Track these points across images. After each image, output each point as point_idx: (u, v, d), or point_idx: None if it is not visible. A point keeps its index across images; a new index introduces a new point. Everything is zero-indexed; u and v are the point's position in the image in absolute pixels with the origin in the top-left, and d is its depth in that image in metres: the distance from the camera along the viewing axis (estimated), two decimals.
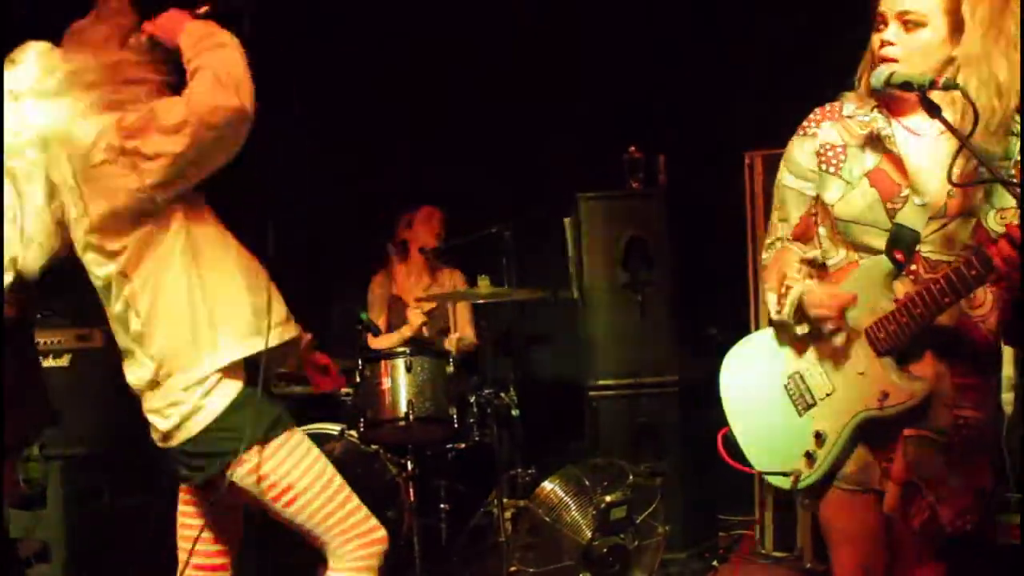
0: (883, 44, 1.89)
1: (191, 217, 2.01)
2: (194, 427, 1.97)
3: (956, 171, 1.80)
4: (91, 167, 1.94)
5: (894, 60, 1.88)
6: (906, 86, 1.84)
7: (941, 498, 1.90)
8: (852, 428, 1.95)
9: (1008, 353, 2.12)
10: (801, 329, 2.03)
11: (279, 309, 2.06)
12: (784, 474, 2.03)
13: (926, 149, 1.94)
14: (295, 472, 2.00)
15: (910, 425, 1.92)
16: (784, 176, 2.12)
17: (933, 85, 1.79)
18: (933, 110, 1.82)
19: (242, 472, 1.98)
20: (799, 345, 2.08)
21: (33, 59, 1.98)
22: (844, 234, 2.00)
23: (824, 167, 2.03)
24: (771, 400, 2.10)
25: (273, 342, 2.00)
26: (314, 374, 2.46)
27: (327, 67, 4.35)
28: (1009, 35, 1.84)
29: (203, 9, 2.05)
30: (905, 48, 1.88)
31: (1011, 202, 1.83)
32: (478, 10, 4.30)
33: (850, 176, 1.98)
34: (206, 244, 2.02)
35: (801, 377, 2.06)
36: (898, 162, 1.94)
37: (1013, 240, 1.68)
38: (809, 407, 2.04)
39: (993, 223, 1.88)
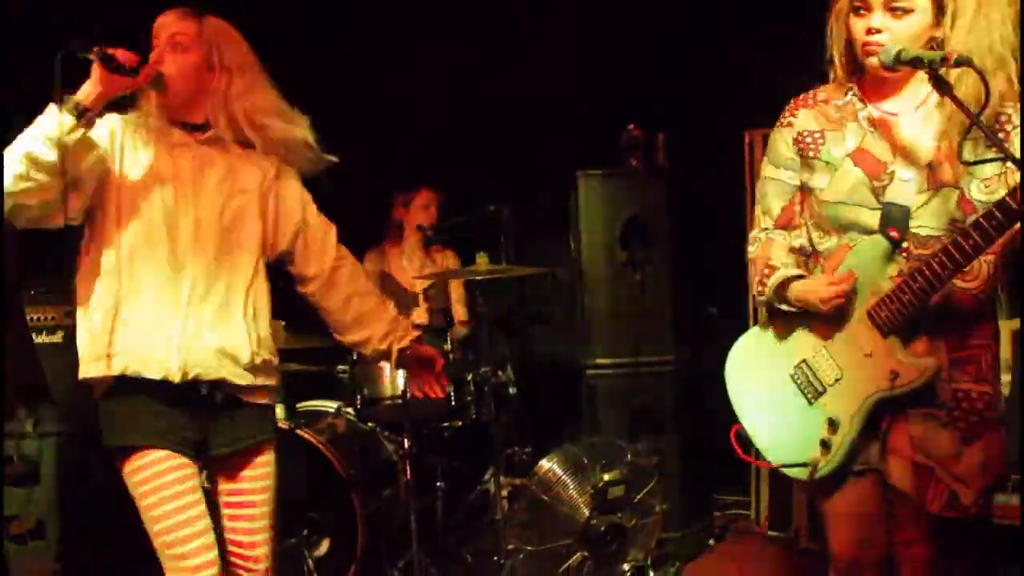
0: (869, 31, 1.89)
1: (126, 245, 2.07)
2: None
3: (966, 148, 1.81)
4: None
5: (880, 46, 1.88)
6: (916, 62, 1.83)
7: (959, 479, 1.89)
8: (865, 411, 1.94)
9: (1005, 333, 2.10)
10: (787, 307, 2.04)
11: (121, 342, 2.08)
12: (802, 465, 2.00)
13: (905, 126, 1.94)
14: (134, 491, 2.08)
15: (914, 404, 1.92)
16: (765, 168, 2.15)
17: (944, 62, 1.77)
18: (943, 87, 1.81)
19: None
20: (802, 333, 2.06)
21: None
22: (833, 218, 2.00)
23: (804, 153, 2.04)
24: (780, 392, 2.08)
25: (93, 372, 2.10)
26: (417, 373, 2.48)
27: (320, 45, 4.29)
28: (999, 8, 1.85)
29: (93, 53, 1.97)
30: (893, 35, 1.88)
31: (994, 171, 1.84)
32: None
33: (830, 157, 1.99)
34: (129, 267, 2.08)
35: (808, 365, 2.05)
36: (880, 141, 1.95)
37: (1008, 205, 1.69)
38: (819, 395, 2.02)
39: (977, 192, 1.88)
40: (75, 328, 3.42)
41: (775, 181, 2.12)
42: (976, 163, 1.82)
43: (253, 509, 2.20)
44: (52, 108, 1.92)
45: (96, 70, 1.94)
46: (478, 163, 4.37)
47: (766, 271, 2.06)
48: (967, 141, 1.81)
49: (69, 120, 1.91)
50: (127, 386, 2.08)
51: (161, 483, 2.04)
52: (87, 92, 1.95)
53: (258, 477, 2.21)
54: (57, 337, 3.70)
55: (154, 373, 2.06)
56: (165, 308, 2.07)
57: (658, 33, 4.37)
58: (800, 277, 2.02)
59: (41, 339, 3.67)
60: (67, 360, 3.62)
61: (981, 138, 1.82)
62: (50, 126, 1.90)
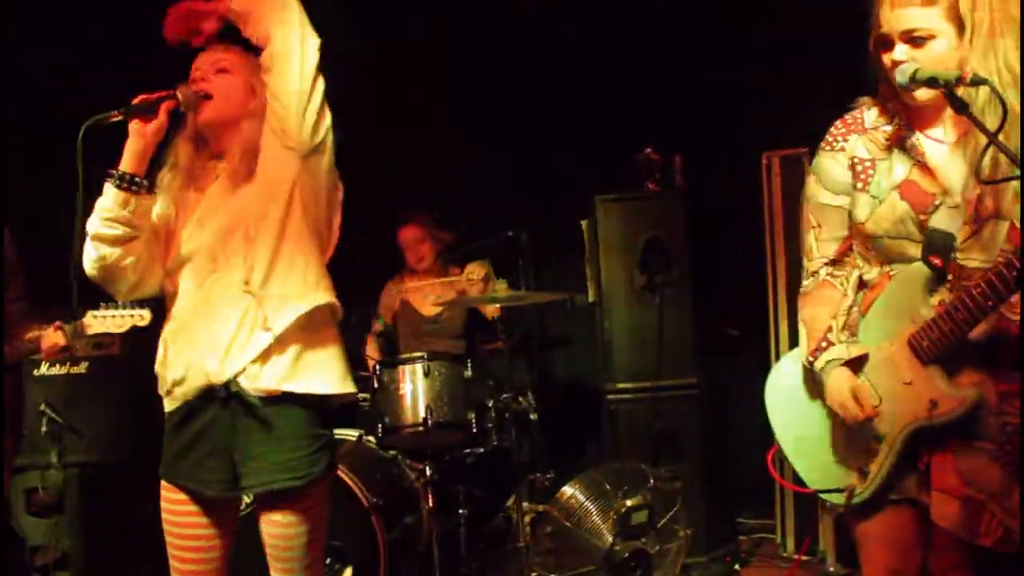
0: (894, 64, 1.85)
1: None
2: None
3: (986, 169, 1.77)
4: None
5: None
6: (932, 82, 1.79)
7: (1012, 514, 1.83)
8: (903, 440, 1.90)
9: None
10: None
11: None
12: (838, 491, 1.98)
13: (949, 155, 1.90)
14: None
15: (953, 434, 1.87)
16: (820, 194, 2.05)
17: (960, 81, 1.75)
18: (960, 106, 1.78)
19: None
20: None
21: None
22: (877, 250, 1.96)
23: (855, 183, 1.99)
24: (818, 416, 2.05)
25: None
26: None
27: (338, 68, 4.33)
28: (1014, 21, 1.81)
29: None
30: (918, 63, 1.83)
31: None
32: (493, 11, 4.28)
33: (878, 191, 1.94)
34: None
35: None
36: (928, 171, 1.90)
37: None
38: None
39: None
40: (103, 359, 3.44)
41: (836, 208, 2.04)
42: (993, 182, 1.79)
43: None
44: (106, 186, 2.00)
45: (132, 127, 2.00)
46: (495, 188, 4.39)
47: (824, 344, 1.99)
48: (985, 160, 1.78)
49: (118, 194, 1.99)
50: None
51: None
52: (126, 158, 2.01)
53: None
54: (82, 368, 3.75)
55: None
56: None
57: (674, 53, 4.38)
58: (849, 361, 1.96)
59: (66, 370, 3.72)
60: (92, 390, 3.68)
61: (1003, 157, 1.78)
62: (105, 205, 2.00)
